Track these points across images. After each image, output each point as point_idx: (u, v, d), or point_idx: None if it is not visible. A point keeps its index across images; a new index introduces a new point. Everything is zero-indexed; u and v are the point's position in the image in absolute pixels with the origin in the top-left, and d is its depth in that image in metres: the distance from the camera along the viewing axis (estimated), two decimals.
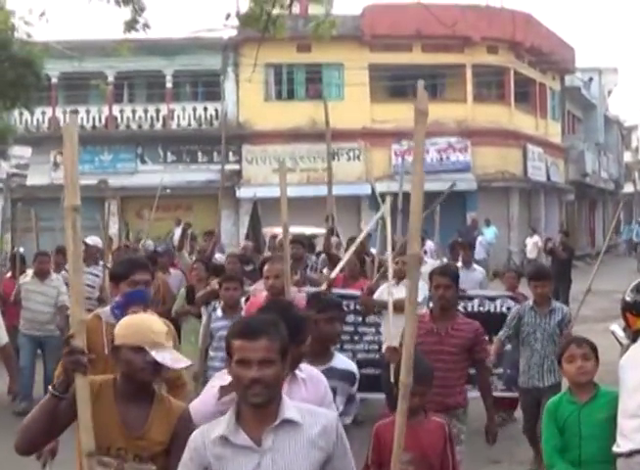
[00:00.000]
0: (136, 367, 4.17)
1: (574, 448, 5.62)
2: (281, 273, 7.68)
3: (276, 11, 12.06)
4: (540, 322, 9.00)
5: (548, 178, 39.84)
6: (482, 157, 34.80)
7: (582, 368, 5.69)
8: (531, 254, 30.70)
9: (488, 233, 30.67)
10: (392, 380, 5.72)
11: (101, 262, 13.50)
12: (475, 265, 13.92)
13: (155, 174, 29.64)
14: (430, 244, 18.17)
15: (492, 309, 11.10)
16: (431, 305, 8.46)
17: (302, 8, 30.93)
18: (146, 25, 12.90)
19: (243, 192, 32.49)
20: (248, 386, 3.60)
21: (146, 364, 4.17)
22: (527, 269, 13.44)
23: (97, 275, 13.17)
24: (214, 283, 10.27)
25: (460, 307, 9.89)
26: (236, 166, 34.30)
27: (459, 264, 13.06)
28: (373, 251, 13.72)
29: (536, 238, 30.98)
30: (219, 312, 9.30)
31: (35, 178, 30.85)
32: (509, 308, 10.58)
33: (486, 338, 8.38)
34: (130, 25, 12.90)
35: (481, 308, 11.02)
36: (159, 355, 4.17)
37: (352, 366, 5.83)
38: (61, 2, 42.18)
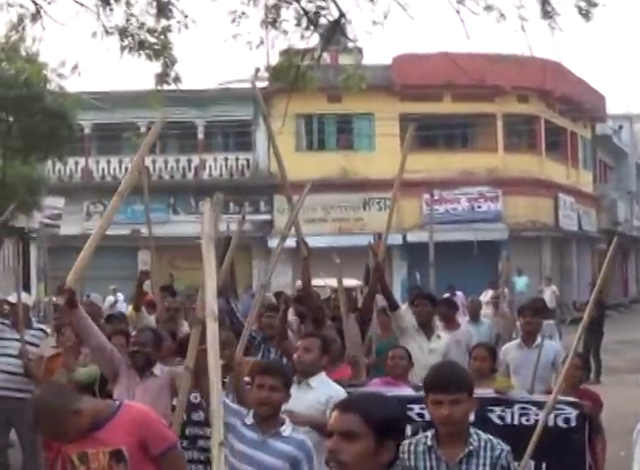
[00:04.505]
0: None
1: None
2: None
3: (306, 62, 12.11)
4: None
5: (580, 227, 39.61)
6: (514, 206, 34.69)
7: None
8: (550, 304, 29.24)
9: (520, 283, 30.34)
10: None
11: (35, 325, 10.26)
12: (483, 319, 11.08)
13: (186, 224, 29.79)
14: (460, 296, 16.06)
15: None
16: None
17: (332, 58, 31.12)
18: (177, 79, 12.99)
19: (275, 242, 32.52)
20: None
21: None
22: None
23: (34, 344, 9.70)
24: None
25: (494, 417, 6.66)
26: (267, 217, 34.39)
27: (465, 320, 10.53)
28: None
29: (554, 287, 30.10)
30: (248, 419, 5.53)
31: (68, 228, 31.07)
32: (568, 421, 6.65)
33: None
34: (161, 78, 13.00)
35: (525, 421, 6.64)
36: None
37: None
38: (93, 54, 42.68)
